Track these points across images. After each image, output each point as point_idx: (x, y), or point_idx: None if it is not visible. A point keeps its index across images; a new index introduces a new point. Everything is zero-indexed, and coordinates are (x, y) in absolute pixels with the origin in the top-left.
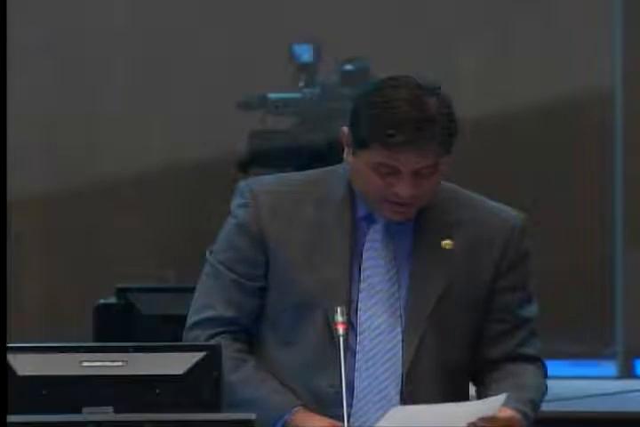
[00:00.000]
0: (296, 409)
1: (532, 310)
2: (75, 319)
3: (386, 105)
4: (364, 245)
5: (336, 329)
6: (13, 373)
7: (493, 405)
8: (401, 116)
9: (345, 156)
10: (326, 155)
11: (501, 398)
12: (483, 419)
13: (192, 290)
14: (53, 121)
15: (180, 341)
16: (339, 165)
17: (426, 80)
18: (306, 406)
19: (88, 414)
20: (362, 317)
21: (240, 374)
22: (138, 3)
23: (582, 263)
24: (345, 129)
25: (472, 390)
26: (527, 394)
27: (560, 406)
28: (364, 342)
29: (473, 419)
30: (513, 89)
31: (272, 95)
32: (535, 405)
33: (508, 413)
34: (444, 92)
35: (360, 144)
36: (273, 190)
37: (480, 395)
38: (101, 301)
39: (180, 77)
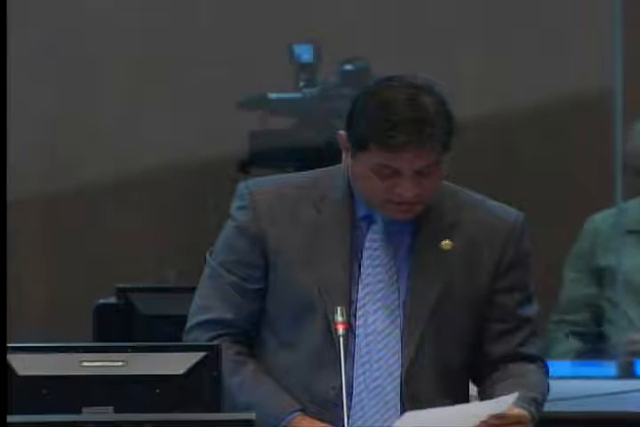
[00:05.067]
0: (294, 415)
1: (532, 310)
2: (75, 319)
3: (383, 106)
4: (363, 245)
5: (336, 329)
6: (13, 373)
7: (503, 403)
8: (399, 117)
9: (344, 159)
10: (326, 155)
11: (512, 397)
12: (493, 416)
13: (192, 290)
14: (53, 121)
15: (180, 341)
16: (338, 165)
17: (419, 79)
18: (304, 411)
19: (88, 414)
20: (361, 317)
21: (239, 377)
22: (138, 3)
23: None
24: (342, 133)
25: (472, 390)
26: (530, 393)
27: (560, 406)
28: (362, 343)
29: (484, 418)
30: (513, 89)
31: (272, 95)
32: (539, 404)
33: (517, 410)
34: (439, 90)
35: (359, 146)
36: (272, 192)
37: (482, 395)
38: (101, 301)
39: (180, 77)
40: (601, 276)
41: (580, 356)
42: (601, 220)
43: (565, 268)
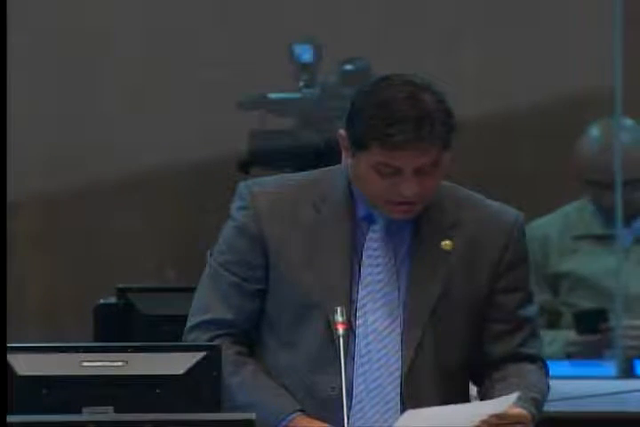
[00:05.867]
0: (294, 415)
1: (532, 310)
2: (75, 319)
3: (382, 105)
4: (363, 245)
5: (336, 329)
6: (13, 373)
7: (504, 403)
8: (398, 115)
9: (344, 159)
10: (326, 155)
11: (513, 396)
12: (493, 416)
13: (192, 290)
14: (53, 121)
15: (181, 341)
16: (338, 165)
17: (418, 77)
18: (304, 411)
19: (88, 414)
20: (361, 317)
21: (239, 377)
22: (138, 3)
23: None
24: (342, 132)
25: (472, 390)
26: (531, 393)
27: (560, 406)
28: (362, 343)
29: (484, 417)
30: (513, 89)
31: (272, 95)
32: (539, 404)
33: (517, 410)
34: (438, 88)
35: (359, 146)
36: (272, 192)
37: (483, 395)
38: (101, 301)
39: (180, 77)
40: (556, 281)
41: (571, 353)
42: (545, 226)
43: None
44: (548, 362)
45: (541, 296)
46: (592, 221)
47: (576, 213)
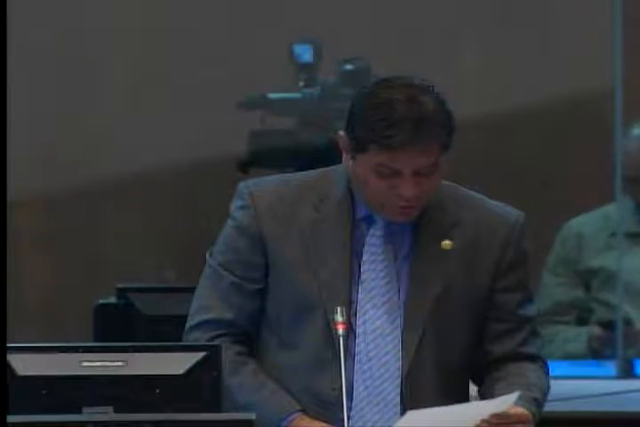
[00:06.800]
0: (295, 415)
1: (532, 310)
2: (75, 319)
3: (382, 106)
4: (363, 245)
5: (336, 330)
6: (13, 373)
7: (505, 402)
8: (398, 117)
9: (344, 160)
10: (326, 155)
11: (513, 396)
12: (494, 415)
13: (192, 290)
14: (53, 121)
15: (181, 341)
16: (338, 165)
17: (418, 79)
18: (305, 411)
19: (88, 414)
20: (361, 318)
21: (239, 377)
22: (138, 3)
23: None
24: (342, 134)
25: (473, 390)
26: (531, 393)
27: (560, 407)
28: (363, 344)
29: (486, 417)
30: (513, 89)
31: (272, 95)
32: (540, 404)
33: (518, 410)
34: (438, 90)
35: (358, 147)
36: (272, 192)
37: (483, 395)
38: (101, 301)
39: (180, 77)
40: (589, 278)
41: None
42: (582, 224)
43: (547, 273)
44: (558, 362)
45: (574, 294)
46: (631, 219)
47: (616, 211)
